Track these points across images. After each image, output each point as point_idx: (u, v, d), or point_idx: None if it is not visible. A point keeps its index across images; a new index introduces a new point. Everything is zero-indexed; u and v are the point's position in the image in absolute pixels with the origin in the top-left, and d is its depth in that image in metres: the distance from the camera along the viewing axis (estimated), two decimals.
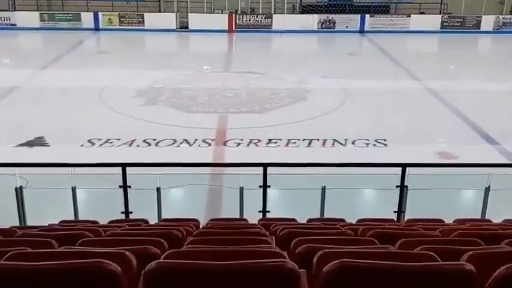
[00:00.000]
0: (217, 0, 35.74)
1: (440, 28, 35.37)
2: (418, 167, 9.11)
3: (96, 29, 34.63)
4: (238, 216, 8.33)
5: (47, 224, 6.56)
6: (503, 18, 35.64)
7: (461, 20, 35.35)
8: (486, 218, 8.28)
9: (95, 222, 7.01)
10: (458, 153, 13.26)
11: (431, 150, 13.52)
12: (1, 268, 2.71)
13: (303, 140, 14.16)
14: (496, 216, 7.95)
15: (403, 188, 8.37)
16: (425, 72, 23.81)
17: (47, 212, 9.52)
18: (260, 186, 8.27)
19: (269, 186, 8.29)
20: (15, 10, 35.23)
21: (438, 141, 14.69)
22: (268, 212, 8.42)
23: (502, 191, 8.73)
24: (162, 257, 3.20)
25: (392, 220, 7.79)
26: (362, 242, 4.33)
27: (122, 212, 8.32)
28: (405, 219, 8.05)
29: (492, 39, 35.25)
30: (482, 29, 35.25)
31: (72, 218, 8.37)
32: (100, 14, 34.68)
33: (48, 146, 13.75)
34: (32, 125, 15.25)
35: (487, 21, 35.28)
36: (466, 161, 11.72)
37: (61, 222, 7.02)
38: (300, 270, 2.84)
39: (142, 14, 35.01)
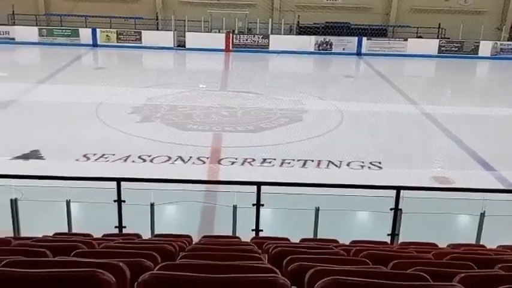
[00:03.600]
0: (215, 19, 35.90)
1: (438, 52, 35.55)
2: (412, 190, 9.09)
3: (94, 45, 34.75)
4: (231, 234, 8.32)
5: (41, 236, 6.55)
6: (501, 44, 35.81)
7: (459, 45, 35.56)
8: (481, 243, 8.28)
9: (89, 235, 7.00)
10: (454, 178, 13.26)
11: (427, 174, 13.50)
12: None
13: (298, 160, 14.17)
14: (490, 241, 7.94)
15: (397, 211, 8.38)
16: (422, 96, 23.95)
17: (41, 224, 9.47)
18: (253, 205, 8.27)
19: (262, 205, 8.28)
20: (15, 25, 35.29)
21: (434, 166, 14.69)
22: (261, 230, 8.41)
23: (497, 216, 8.74)
24: (155, 269, 3.20)
25: (385, 243, 7.79)
26: (354, 262, 4.33)
27: (116, 227, 8.33)
28: (399, 242, 8.05)
29: (490, 65, 35.43)
30: (480, 54, 35.44)
31: (66, 230, 8.36)
32: (98, 30, 34.82)
33: (44, 159, 13.75)
34: (28, 138, 15.25)
35: (485, 47, 35.45)
36: (462, 186, 11.75)
37: (55, 234, 7.01)
38: (292, 287, 2.86)
39: (140, 32, 35.13)
